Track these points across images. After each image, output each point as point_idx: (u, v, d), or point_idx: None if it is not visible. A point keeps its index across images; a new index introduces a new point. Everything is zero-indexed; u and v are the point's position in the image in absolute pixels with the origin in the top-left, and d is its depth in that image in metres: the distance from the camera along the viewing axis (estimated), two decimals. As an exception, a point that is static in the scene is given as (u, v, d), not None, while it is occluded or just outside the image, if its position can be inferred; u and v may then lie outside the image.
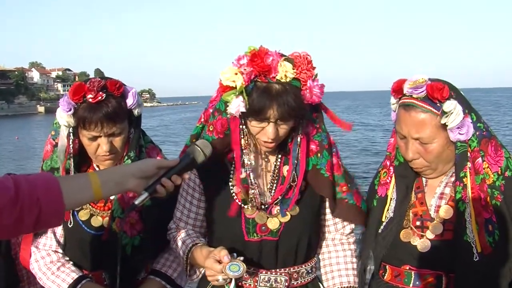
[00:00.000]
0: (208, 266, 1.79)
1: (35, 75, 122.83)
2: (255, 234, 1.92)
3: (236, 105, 1.81)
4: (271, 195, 1.96)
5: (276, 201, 1.94)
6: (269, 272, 1.94)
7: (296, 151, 1.95)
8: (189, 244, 1.97)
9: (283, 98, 1.78)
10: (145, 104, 18.00)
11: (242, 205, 1.93)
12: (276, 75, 1.80)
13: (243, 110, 1.82)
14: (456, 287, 1.83)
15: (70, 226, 2.11)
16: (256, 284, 1.93)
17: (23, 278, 2.22)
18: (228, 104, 1.84)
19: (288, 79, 1.80)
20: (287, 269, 1.96)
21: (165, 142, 26.02)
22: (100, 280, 2.12)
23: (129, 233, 2.10)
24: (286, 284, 1.94)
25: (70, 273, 2.08)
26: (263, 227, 1.92)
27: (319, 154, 1.96)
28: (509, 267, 1.85)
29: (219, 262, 1.77)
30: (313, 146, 1.97)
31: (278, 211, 1.94)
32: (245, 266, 1.77)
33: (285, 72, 1.80)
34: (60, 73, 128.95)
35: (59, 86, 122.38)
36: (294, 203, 1.94)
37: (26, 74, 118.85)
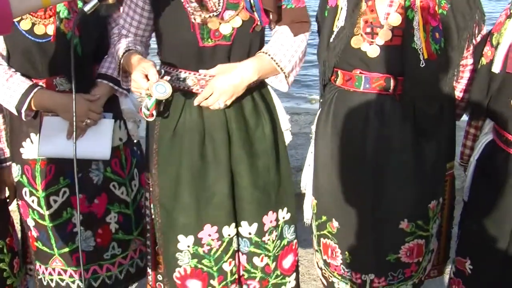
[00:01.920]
0: (135, 79, 1.96)
1: None
2: (209, 40, 2.05)
3: None
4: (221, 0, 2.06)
5: (226, 6, 2.05)
6: None
7: None
8: (123, 50, 2.12)
9: None
10: None
11: (194, 11, 2.03)
12: None
13: None
14: (404, 89, 2.09)
15: (12, 36, 2.16)
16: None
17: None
18: None
19: None
20: None
21: None
22: (51, 87, 2.26)
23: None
24: None
25: (20, 83, 2.20)
26: (216, 33, 2.05)
27: None
28: (452, 73, 2.13)
29: (147, 77, 1.93)
30: None
31: (230, 15, 2.05)
32: (171, 89, 1.93)
33: None
34: None
35: None
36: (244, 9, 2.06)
37: None
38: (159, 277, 2.40)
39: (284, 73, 2.11)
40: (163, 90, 1.92)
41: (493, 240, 2.03)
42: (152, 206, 2.30)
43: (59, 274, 2.46)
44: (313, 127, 2.38)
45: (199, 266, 2.23)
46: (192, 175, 2.14)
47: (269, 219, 2.26)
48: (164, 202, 2.19)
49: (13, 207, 2.54)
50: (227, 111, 2.12)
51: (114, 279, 2.53)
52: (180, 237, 2.19)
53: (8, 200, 2.51)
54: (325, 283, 2.54)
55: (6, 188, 2.48)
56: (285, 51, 2.10)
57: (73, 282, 2.47)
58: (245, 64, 2.06)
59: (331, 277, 2.47)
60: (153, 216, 2.30)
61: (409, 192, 2.20)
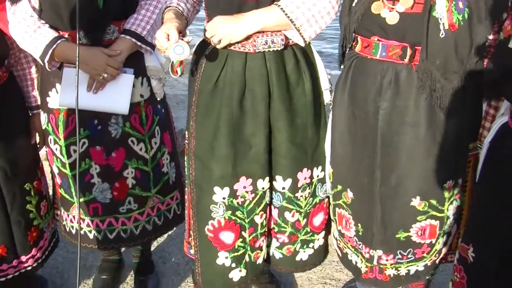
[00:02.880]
0: (157, 37, 2.12)
1: None
2: None
3: None
4: None
5: None
6: (265, 35, 2.26)
7: None
8: (166, 5, 2.33)
9: None
10: None
11: None
12: None
13: None
14: (421, 59, 2.10)
15: None
16: (255, 48, 2.26)
17: (12, 46, 2.55)
18: None
19: None
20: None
21: None
22: (75, 40, 2.42)
23: None
24: (283, 42, 2.28)
25: (46, 34, 2.38)
26: None
27: None
28: (476, 47, 2.09)
29: (169, 37, 2.09)
30: None
31: None
32: (190, 50, 2.07)
33: None
34: None
35: None
36: None
37: None
38: (191, 233, 2.57)
39: (295, 25, 2.19)
40: (181, 51, 2.06)
41: (497, 227, 2.02)
42: (186, 159, 2.46)
43: (78, 222, 2.67)
44: (331, 95, 2.44)
45: (233, 218, 2.41)
46: (230, 127, 2.29)
47: (303, 176, 2.41)
48: (200, 154, 2.35)
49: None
50: (269, 66, 2.26)
51: (129, 233, 2.72)
52: (216, 189, 2.35)
53: (38, 145, 2.75)
54: (340, 254, 2.62)
55: (37, 134, 2.72)
56: (300, 3, 2.17)
57: (90, 231, 2.68)
58: (251, 12, 2.19)
59: (345, 248, 2.54)
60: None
61: (422, 169, 2.21)
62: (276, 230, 2.54)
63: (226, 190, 2.35)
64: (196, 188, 2.40)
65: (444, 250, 2.46)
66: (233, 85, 2.27)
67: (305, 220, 2.52)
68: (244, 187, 2.36)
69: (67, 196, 2.69)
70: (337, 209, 2.52)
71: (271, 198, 2.46)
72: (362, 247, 2.45)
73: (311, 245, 2.61)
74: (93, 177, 2.60)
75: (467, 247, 2.17)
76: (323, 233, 2.62)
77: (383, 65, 2.19)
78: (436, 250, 2.41)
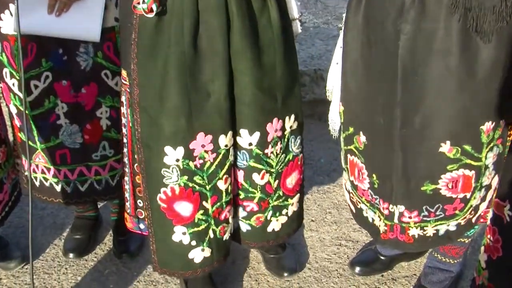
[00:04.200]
0: None
1: None
2: None
3: None
4: None
5: None
6: None
7: None
8: None
9: None
10: None
11: None
12: None
13: None
14: None
15: None
16: None
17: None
18: None
19: None
20: None
21: None
22: None
23: None
24: None
25: None
26: None
27: None
28: None
29: None
30: None
31: None
32: None
33: None
34: None
35: None
36: None
37: None
38: (139, 203, 2.46)
39: None
40: None
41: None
42: (129, 111, 2.31)
43: (43, 172, 2.59)
44: (343, 16, 2.31)
45: (190, 184, 2.25)
46: (181, 71, 2.11)
47: (273, 128, 2.27)
48: (146, 106, 2.17)
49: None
50: None
51: (104, 184, 2.65)
52: (168, 149, 2.19)
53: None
54: (353, 210, 2.55)
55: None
56: None
57: (57, 183, 2.61)
58: None
59: (359, 202, 2.47)
60: (130, 125, 2.32)
61: (454, 107, 2.09)
62: (242, 196, 2.41)
63: (180, 150, 2.19)
64: (144, 147, 2.24)
65: (482, 207, 2.35)
66: (183, 17, 2.06)
67: (277, 181, 2.40)
68: (203, 146, 2.20)
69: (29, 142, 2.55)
70: (348, 155, 2.43)
71: (235, 158, 2.33)
72: (379, 201, 2.36)
73: (284, 211, 2.50)
74: (60, 118, 2.51)
75: (503, 204, 2.02)
76: (297, 196, 2.52)
77: (405, -22, 2.06)
78: (471, 206, 2.30)
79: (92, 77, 2.48)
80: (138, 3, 1.98)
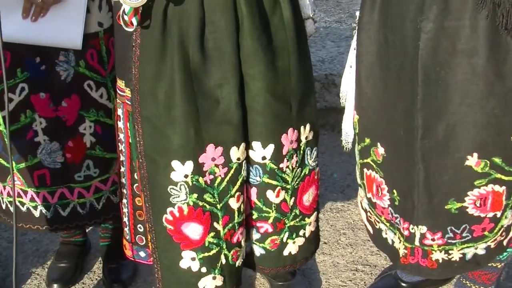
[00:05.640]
0: None
1: None
2: None
3: None
4: None
5: None
6: None
7: None
8: None
9: None
10: None
11: None
12: None
13: None
14: None
15: None
16: None
17: None
18: None
19: None
20: None
21: None
22: None
23: None
24: None
25: None
26: None
27: None
28: None
29: None
30: None
31: None
32: None
33: None
34: None
35: None
36: None
37: None
38: (139, 228, 2.40)
39: None
40: None
41: None
42: (128, 125, 2.26)
43: (19, 195, 2.53)
44: (357, 13, 2.30)
45: (200, 203, 2.20)
46: (187, 76, 2.08)
47: (289, 139, 2.24)
48: (149, 115, 2.13)
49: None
50: None
51: (89, 208, 2.59)
52: (175, 164, 2.14)
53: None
54: (371, 230, 2.52)
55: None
56: None
57: (35, 207, 2.54)
58: None
59: (378, 222, 2.44)
60: (130, 141, 2.27)
61: (481, 114, 2.05)
62: (255, 217, 2.35)
63: (189, 164, 2.13)
64: (147, 161, 2.18)
65: (515, 227, 2.31)
66: (188, 19, 2.05)
67: (293, 199, 2.35)
68: (213, 159, 2.15)
69: (2, 161, 2.55)
70: (365, 170, 2.40)
71: (247, 174, 2.28)
72: (399, 221, 2.31)
73: (301, 232, 2.43)
74: (38, 135, 2.46)
75: None
76: (314, 214, 2.47)
77: (426, -29, 2.04)
78: (502, 226, 2.24)
79: (74, 89, 2.43)
80: (119, 16, 1.99)
